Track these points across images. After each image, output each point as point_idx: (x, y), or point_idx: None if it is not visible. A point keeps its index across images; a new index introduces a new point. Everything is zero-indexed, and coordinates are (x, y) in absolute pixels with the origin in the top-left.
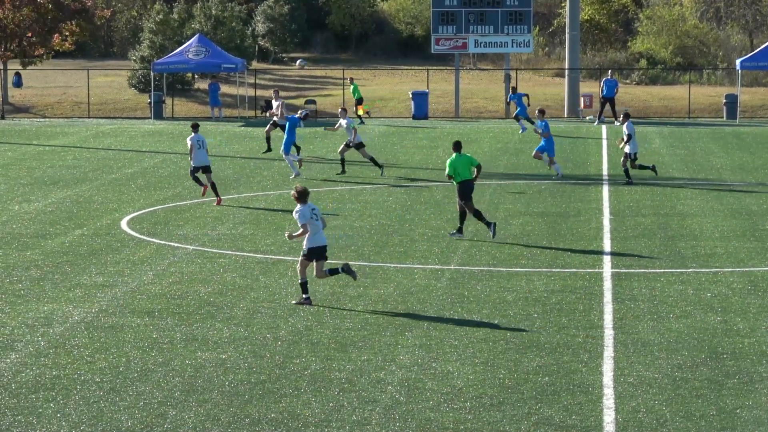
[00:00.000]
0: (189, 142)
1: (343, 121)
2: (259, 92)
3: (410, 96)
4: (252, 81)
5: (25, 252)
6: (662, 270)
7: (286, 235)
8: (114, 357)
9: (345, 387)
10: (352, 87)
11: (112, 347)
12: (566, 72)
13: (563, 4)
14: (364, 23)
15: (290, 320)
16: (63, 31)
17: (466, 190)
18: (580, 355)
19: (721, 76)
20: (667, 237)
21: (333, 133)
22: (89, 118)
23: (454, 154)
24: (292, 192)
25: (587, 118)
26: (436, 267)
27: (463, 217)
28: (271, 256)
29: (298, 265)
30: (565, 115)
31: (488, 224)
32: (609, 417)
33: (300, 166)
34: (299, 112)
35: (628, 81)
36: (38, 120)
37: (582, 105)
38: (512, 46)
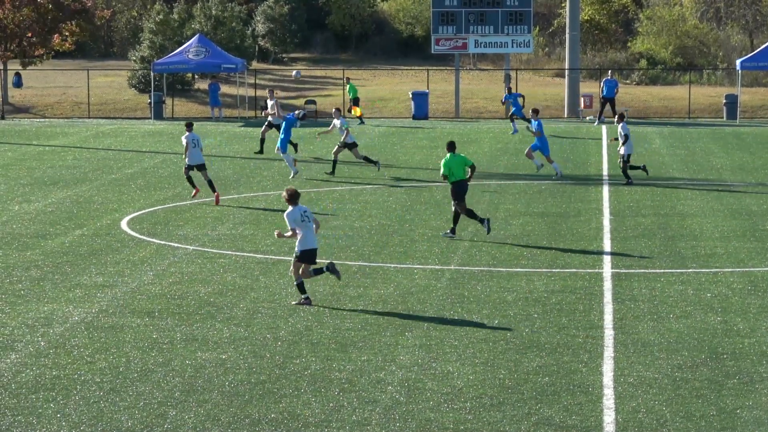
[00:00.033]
0: (184, 141)
1: (336, 122)
2: (259, 92)
3: (410, 96)
4: (252, 81)
5: (25, 252)
6: (662, 270)
7: (275, 233)
8: (114, 357)
9: (345, 387)
10: (348, 86)
11: (112, 347)
12: (566, 72)
13: (563, 4)
14: (364, 23)
15: (290, 320)
16: (63, 31)
17: (460, 190)
18: (580, 355)
19: (721, 76)
20: (667, 237)
21: (332, 133)
22: (89, 118)
23: (448, 154)
24: (283, 194)
25: (587, 118)
26: (436, 267)
27: (457, 217)
28: (271, 256)
29: (291, 267)
30: (565, 116)
31: (482, 221)
32: (609, 417)
33: (294, 165)
34: (297, 112)
35: (628, 81)
36: (38, 120)
37: (582, 105)
38: (512, 47)
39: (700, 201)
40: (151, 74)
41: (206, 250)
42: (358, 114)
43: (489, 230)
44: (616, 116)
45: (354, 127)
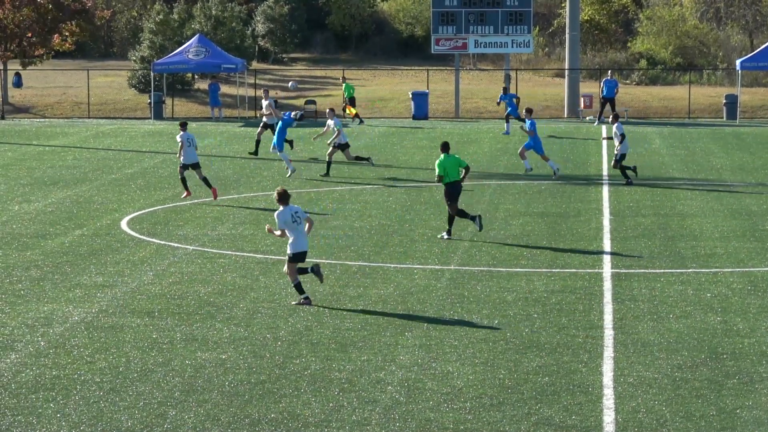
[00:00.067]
0: (179, 140)
1: (330, 122)
2: (259, 93)
3: (410, 96)
4: (252, 81)
5: (25, 252)
6: (662, 270)
7: (266, 228)
8: (114, 357)
9: (345, 387)
10: (343, 86)
11: (112, 347)
12: (566, 72)
13: (563, 5)
14: (364, 23)
15: (290, 320)
16: (63, 32)
17: (454, 191)
18: (580, 355)
19: (721, 76)
20: (667, 237)
21: (328, 134)
22: (89, 118)
23: (442, 155)
24: (274, 195)
25: (587, 118)
26: (436, 267)
27: (451, 219)
28: (271, 256)
29: (286, 269)
30: (565, 116)
31: (473, 218)
32: (609, 417)
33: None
34: (294, 112)
35: (628, 81)
36: (38, 120)
37: (582, 105)
38: (512, 47)
39: (700, 201)
40: (151, 74)
41: (206, 250)
42: (352, 114)
43: (480, 227)
44: (611, 116)
45: (354, 126)
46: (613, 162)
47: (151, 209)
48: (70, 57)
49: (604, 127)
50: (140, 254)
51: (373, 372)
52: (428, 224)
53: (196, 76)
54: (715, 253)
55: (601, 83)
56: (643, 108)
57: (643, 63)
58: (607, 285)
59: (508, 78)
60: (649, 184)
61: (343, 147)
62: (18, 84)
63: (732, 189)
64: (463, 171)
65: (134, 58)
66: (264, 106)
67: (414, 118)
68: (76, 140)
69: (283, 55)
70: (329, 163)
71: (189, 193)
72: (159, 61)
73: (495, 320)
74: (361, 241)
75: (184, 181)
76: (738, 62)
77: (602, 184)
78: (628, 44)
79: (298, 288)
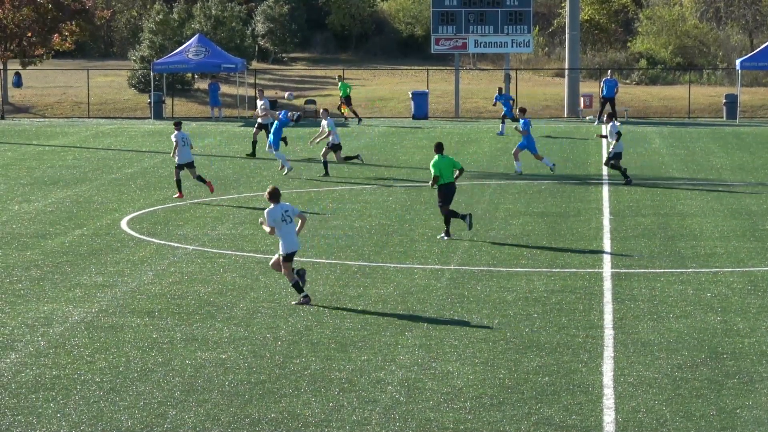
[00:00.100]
0: (174, 140)
1: (324, 122)
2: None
3: (410, 96)
4: (252, 81)
5: (25, 252)
6: (662, 270)
7: (259, 220)
8: (114, 357)
9: (345, 387)
10: (339, 85)
11: (112, 347)
12: (566, 72)
13: (563, 4)
14: (364, 23)
15: (290, 320)
16: (63, 31)
17: (448, 192)
18: (580, 355)
19: (721, 76)
20: (667, 237)
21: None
22: (89, 118)
23: (436, 156)
24: (265, 193)
25: (587, 118)
26: (436, 267)
27: (448, 219)
28: (271, 256)
29: (283, 270)
30: (565, 115)
31: (463, 217)
32: (609, 417)
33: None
34: (291, 113)
35: (628, 81)
36: (38, 120)
37: (582, 105)
38: (512, 46)
39: (700, 201)
40: (151, 74)
41: (206, 249)
42: (345, 114)
43: (470, 226)
44: (606, 116)
45: (354, 126)
46: (605, 160)
47: (151, 209)
48: (70, 57)
49: (604, 127)
50: (140, 254)
51: (373, 372)
52: (428, 224)
53: (196, 76)
54: (715, 252)
55: (601, 83)
56: (643, 108)
57: (643, 63)
58: (607, 285)
59: (507, 78)
60: (649, 183)
61: (335, 148)
62: (18, 84)
63: (732, 189)
64: (457, 172)
65: (134, 57)
66: (259, 106)
67: (414, 117)
68: (76, 140)
69: (283, 55)
70: (325, 163)
71: (181, 195)
72: (159, 60)
73: (495, 320)
74: (361, 241)
75: (179, 182)
76: (738, 62)
77: (602, 183)
78: (628, 44)
79: (297, 287)
